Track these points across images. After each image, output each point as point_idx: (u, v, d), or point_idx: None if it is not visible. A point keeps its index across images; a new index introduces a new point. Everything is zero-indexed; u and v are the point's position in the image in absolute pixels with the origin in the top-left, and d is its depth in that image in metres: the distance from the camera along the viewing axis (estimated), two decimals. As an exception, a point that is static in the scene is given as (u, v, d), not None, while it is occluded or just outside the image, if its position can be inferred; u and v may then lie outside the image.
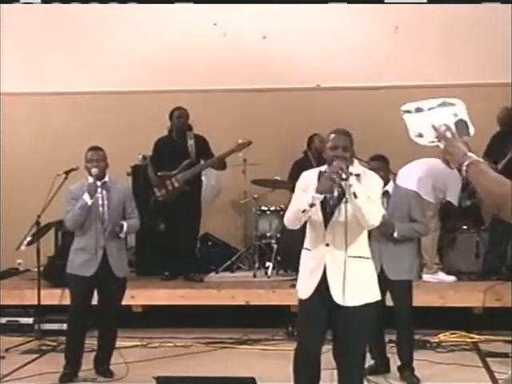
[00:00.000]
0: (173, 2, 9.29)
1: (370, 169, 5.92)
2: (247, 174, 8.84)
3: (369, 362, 6.26)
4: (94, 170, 6.17)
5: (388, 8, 9.18)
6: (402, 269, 6.03)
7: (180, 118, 8.43)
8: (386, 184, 6.10)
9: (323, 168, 4.75)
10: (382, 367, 6.23)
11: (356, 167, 4.91)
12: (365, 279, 4.71)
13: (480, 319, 7.46)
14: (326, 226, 4.65)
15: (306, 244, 4.81)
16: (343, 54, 9.62)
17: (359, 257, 4.68)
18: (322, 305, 4.65)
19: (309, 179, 4.74)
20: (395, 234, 6.01)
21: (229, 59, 9.63)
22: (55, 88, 9.81)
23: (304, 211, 4.56)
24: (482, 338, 7.26)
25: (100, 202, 6.23)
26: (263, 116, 9.52)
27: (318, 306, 4.65)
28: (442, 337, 7.28)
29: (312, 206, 4.54)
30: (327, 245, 4.63)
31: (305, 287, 4.72)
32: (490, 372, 6.29)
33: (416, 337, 6.42)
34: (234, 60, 9.64)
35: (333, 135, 4.72)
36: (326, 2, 9.18)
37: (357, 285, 4.61)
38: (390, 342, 6.35)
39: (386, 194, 6.12)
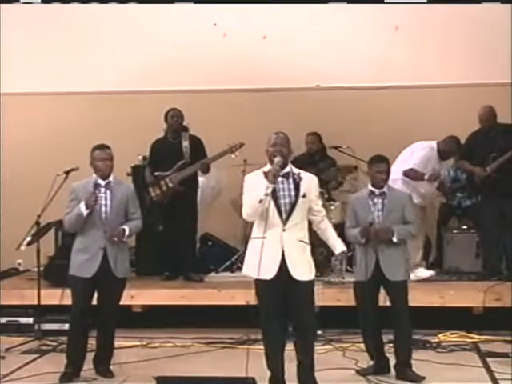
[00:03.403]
0: (173, 2, 9.29)
1: (376, 171, 6.01)
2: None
3: (368, 362, 6.28)
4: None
5: (388, 8, 9.18)
6: (399, 270, 6.07)
7: (174, 118, 8.42)
8: (383, 185, 6.13)
9: (265, 168, 5.55)
10: (381, 367, 6.22)
11: (291, 168, 5.63)
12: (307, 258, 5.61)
13: (480, 319, 7.46)
14: (280, 215, 5.46)
15: (257, 233, 5.52)
16: (343, 54, 9.61)
17: (303, 241, 5.56)
18: (281, 282, 5.45)
19: (254, 180, 5.56)
20: (394, 239, 6.03)
21: (229, 59, 9.62)
22: (55, 88, 9.80)
23: (260, 201, 5.38)
24: (482, 338, 7.25)
25: (103, 202, 6.20)
26: (263, 116, 9.50)
27: (279, 284, 5.45)
28: (441, 337, 7.28)
29: (267, 195, 5.37)
30: (284, 230, 5.46)
31: (267, 268, 5.43)
32: (490, 372, 6.28)
33: (416, 337, 6.41)
34: (233, 60, 9.63)
35: (273, 136, 5.66)
36: (326, 2, 9.18)
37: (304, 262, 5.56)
38: (390, 342, 6.34)
39: (382, 194, 6.13)
